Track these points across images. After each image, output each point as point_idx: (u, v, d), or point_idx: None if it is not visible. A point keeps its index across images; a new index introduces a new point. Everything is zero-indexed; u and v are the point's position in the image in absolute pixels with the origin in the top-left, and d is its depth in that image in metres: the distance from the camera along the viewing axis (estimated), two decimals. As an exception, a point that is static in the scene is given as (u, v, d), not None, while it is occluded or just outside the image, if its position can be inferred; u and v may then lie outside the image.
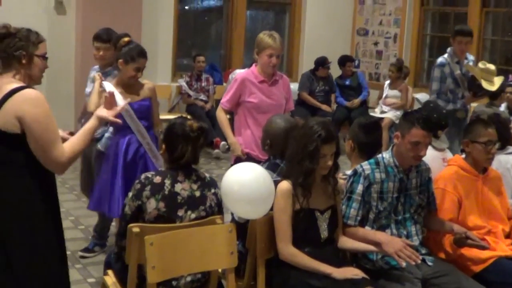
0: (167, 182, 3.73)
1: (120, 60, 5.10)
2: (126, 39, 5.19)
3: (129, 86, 5.21)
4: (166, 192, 3.70)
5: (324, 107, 10.86)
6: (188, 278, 3.78)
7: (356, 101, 11.10)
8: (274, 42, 5.37)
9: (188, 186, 3.77)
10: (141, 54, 5.15)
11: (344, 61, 11.41)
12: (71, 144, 3.43)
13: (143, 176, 3.75)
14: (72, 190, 7.74)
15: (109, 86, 4.95)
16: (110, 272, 4.01)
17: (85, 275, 5.43)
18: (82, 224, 6.69)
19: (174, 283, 3.73)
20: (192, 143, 3.75)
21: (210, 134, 10.10)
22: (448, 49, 7.26)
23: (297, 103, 10.90)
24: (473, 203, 4.38)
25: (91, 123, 3.62)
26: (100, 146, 5.51)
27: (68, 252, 5.64)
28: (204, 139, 3.82)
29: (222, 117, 5.60)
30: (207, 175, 3.92)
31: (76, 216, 6.91)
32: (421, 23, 12.12)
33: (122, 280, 3.78)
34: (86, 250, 5.85)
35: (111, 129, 5.46)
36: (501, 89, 9.10)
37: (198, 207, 3.78)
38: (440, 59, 7.25)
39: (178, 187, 3.74)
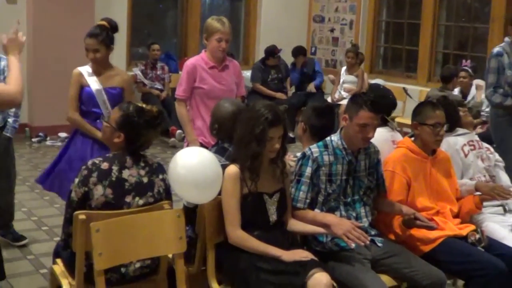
0: (115, 168, 3.69)
1: None
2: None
3: (101, 72, 5.23)
4: (114, 179, 3.67)
5: (279, 95, 10.88)
6: (137, 265, 3.76)
7: (311, 85, 11.13)
8: (223, 26, 5.35)
9: (136, 172, 3.74)
10: (88, 34, 5.14)
11: (297, 53, 11.45)
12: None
13: (90, 162, 3.71)
14: (25, 181, 7.66)
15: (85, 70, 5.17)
16: (58, 261, 3.97)
17: (37, 265, 5.38)
18: (34, 215, 6.61)
19: (123, 269, 3.71)
20: (153, 129, 3.75)
21: (166, 122, 10.07)
22: (506, 38, 6.53)
23: (252, 92, 10.94)
24: (422, 184, 4.41)
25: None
26: (9, 134, 5.56)
27: (21, 243, 5.69)
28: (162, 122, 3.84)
29: (183, 113, 5.50)
30: (154, 160, 3.90)
31: (29, 208, 6.84)
32: (376, 9, 12.22)
33: (71, 268, 3.74)
34: None
35: (12, 112, 5.51)
36: (454, 73, 9.25)
37: (146, 193, 3.75)
38: (496, 49, 6.50)
39: (125, 173, 3.71)
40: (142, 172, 3.77)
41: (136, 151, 3.79)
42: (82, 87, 5.17)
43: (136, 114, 3.75)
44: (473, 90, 9.12)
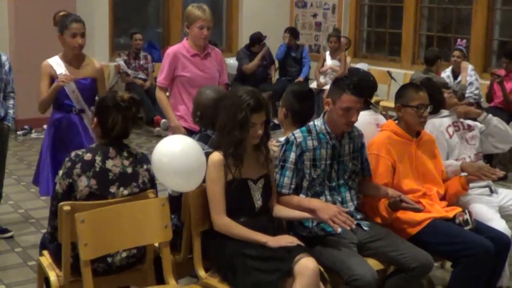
0: (98, 158, 3.68)
1: (58, 34, 5.14)
2: (61, 13, 5.23)
3: (72, 62, 5.22)
4: (97, 169, 3.65)
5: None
6: (124, 254, 3.76)
7: (300, 79, 11.11)
8: (204, 13, 5.32)
9: (120, 162, 3.73)
10: (73, 20, 5.12)
11: (289, 32, 11.46)
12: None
13: (73, 154, 3.70)
14: (11, 174, 7.62)
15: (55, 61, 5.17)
16: (45, 252, 3.97)
17: (25, 258, 5.37)
18: (21, 208, 6.59)
19: (109, 259, 3.71)
20: (122, 114, 3.70)
21: (151, 112, 10.04)
22: None
23: (238, 79, 10.92)
24: (407, 167, 4.40)
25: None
26: (10, 124, 5.68)
27: (6, 236, 5.66)
28: (136, 110, 3.78)
29: (162, 98, 5.53)
30: (139, 151, 3.89)
31: (16, 200, 6.81)
32: (358, -8, 12.19)
33: (58, 259, 3.74)
34: None
35: (11, 104, 5.62)
36: (438, 55, 9.27)
37: (130, 184, 3.74)
38: None
39: (109, 163, 3.69)
40: (126, 163, 3.75)
41: (116, 141, 3.76)
42: (52, 79, 5.14)
43: (108, 98, 3.77)
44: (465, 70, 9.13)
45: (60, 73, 5.12)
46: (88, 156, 3.67)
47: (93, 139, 4.97)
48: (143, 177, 3.80)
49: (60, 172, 3.69)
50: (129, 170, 3.75)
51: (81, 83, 5.17)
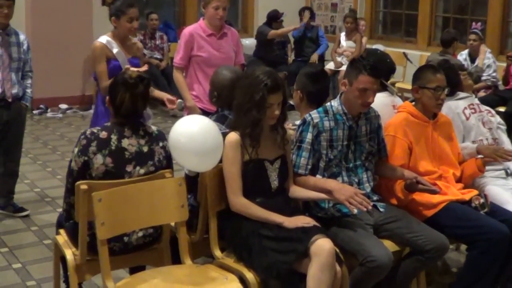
0: (114, 137, 3.68)
1: (113, 18, 5.17)
2: None
3: (123, 43, 5.25)
4: (113, 148, 3.66)
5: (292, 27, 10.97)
6: (140, 234, 3.77)
7: (314, 56, 11.05)
8: None
9: (136, 141, 3.73)
10: (130, 5, 5.18)
11: (303, 9, 11.39)
12: None
13: (88, 132, 3.71)
14: (27, 153, 7.66)
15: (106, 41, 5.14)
16: (61, 231, 3.98)
17: (42, 237, 5.41)
18: (37, 187, 6.62)
19: (125, 238, 3.72)
20: (130, 91, 3.70)
21: (166, 92, 10.01)
22: None
23: (256, 55, 10.90)
24: (423, 148, 4.39)
25: None
26: (28, 103, 5.77)
27: (22, 214, 5.70)
28: (145, 88, 3.76)
29: (179, 78, 5.57)
30: (154, 128, 3.88)
31: (32, 179, 6.86)
32: (375, -26, 12.12)
33: (74, 238, 3.74)
34: None
35: (29, 84, 5.70)
36: (454, 37, 9.22)
37: (146, 162, 3.75)
38: None
39: (125, 142, 3.70)
40: (142, 142, 3.75)
41: (131, 120, 3.76)
42: (108, 59, 5.16)
43: (118, 76, 3.81)
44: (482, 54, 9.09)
45: (116, 51, 5.16)
46: (104, 134, 3.68)
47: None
48: (159, 154, 3.81)
49: (76, 150, 3.69)
50: (145, 149, 3.75)
51: (133, 62, 5.19)
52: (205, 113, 5.05)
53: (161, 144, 3.82)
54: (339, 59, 10.64)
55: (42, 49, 9.76)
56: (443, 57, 7.71)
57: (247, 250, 3.66)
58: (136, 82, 3.71)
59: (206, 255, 4.13)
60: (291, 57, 11.57)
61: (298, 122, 4.18)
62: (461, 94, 4.94)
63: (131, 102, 3.71)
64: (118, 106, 3.72)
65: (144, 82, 3.75)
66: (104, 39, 5.17)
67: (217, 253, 3.82)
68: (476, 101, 5.05)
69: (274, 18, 10.97)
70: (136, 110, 3.76)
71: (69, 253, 3.76)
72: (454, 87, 4.77)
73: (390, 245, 3.94)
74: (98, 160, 3.63)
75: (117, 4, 5.18)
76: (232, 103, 3.92)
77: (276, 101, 3.72)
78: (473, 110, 4.90)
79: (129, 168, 3.70)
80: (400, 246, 4.03)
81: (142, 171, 3.73)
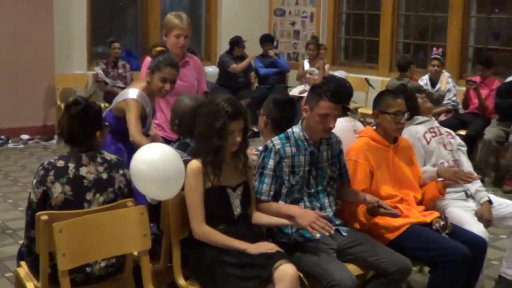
0: (71, 165, 3.68)
1: (148, 71, 4.86)
2: (158, 48, 5.02)
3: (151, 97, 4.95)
4: (71, 176, 3.65)
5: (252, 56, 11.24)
6: (103, 264, 3.74)
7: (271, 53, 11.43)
8: (181, 22, 5.34)
9: (94, 169, 3.72)
10: (168, 64, 4.82)
11: (265, 40, 11.55)
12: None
13: (46, 162, 3.70)
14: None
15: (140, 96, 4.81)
16: (22, 263, 3.93)
17: (3, 269, 5.34)
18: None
19: (88, 269, 3.69)
20: (67, 113, 3.73)
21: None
22: None
23: (219, 84, 10.96)
24: (385, 173, 4.43)
25: None
26: None
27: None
28: (82, 110, 3.72)
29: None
30: (113, 156, 3.87)
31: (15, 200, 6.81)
32: (336, 1, 12.28)
33: (35, 270, 3.70)
34: None
35: None
36: (410, 61, 9.41)
37: (106, 190, 3.74)
38: None
39: (83, 170, 3.69)
40: (101, 169, 3.74)
41: (86, 149, 3.76)
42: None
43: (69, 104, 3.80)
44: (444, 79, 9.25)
45: (148, 110, 4.88)
46: (61, 163, 3.67)
47: None
48: (119, 182, 3.80)
49: (34, 181, 3.68)
50: (104, 176, 3.74)
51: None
52: (167, 141, 5.03)
53: (121, 171, 3.82)
54: (302, 86, 10.72)
55: (1, 78, 9.71)
56: (400, 82, 7.81)
57: (211, 277, 3.65)
58: (69, 104, 3.74)
59: (170, 283, 4.11)
60: (255, 83, 11.62)
61: (260, 148, 4.20)
62: (420, 118, 4.99)
63: (69, 125, 3.73)
64: (65, 134, 3.75)
65: (79, 105, 3.74)
66: (140, 96, 4.77)
67: (181, 281, 3.79)
68: (436, 123, 5.11)
69: (236, 43, 11.06)
70: (80, 134, 3.75)
71: (31, 286, 3.72)
72: (411, 111, 4.82)
73: (353, 269, 3.95)
74: (57, 189, 3.61)
75: (158, 59, 4.83)
76: (193, 131, 3.93)
77: (237, 128, 3.73)
78: (433, 134, 4.96)
79: (88, 196, 3.68)
80: (364, 269, 4.04)
81: (101, 198, 3.71)
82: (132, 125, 4.63)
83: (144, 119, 4.85)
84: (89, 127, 3.76)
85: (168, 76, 4.76)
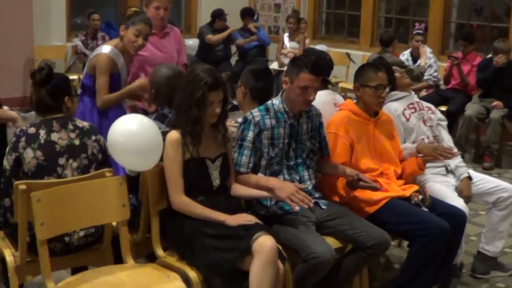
0: (42, 132, 3.70)
1: (122, 26, 4.99)
2: (132, 9, 5.26)
3: (124, 53, 5.02)
4: (42, 141, 3.67)
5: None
6: (81, 233, 3.74)
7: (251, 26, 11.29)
8: None
9: (66, 135, 3.74)
10: (143, 20, 4.95)
11: (245, 14, 11.42)
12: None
13: (18, 130, 3.74)
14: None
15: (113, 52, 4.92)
16: (0, 232, 3.89)
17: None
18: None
19: (66, 238, 3.69)
20: (35, 84, 3.78)
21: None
22: None
23: (199, 55, 10.89)
24: (365, 146, 4.42)
25: None
26: None
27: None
28: (45, 76, 3.76)
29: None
30: (85, 123, 3.88)
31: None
32: (318, -26, 12.19)
33: (14, 239, 3.69)
34: None
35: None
36: (393, 36, 9.37)
37: (79, 155, 3.75)
38: None
39: (54, 136, 3.71)
40: (73, 135, 3.76)
41: (58, 117, 3.78)
42: (112, 73, 4.94)
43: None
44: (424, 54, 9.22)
45: (121, 64, 4.98)
46: (32, 130, 3.69)
47: None
48: (92, 148, 3.80)
49: (7, 149, 3.70)
50: (77, 142, 3.75)
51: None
52: (146, 113, 5.00)
53: (93, 137, 3.83)
54: (283, 59, 10.68)
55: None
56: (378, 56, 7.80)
57: (190, 248, 3.65)
58: (34, 72, 3.78)
59: (149, 254, 4.11)
60: (235, 57, 11.57)
61: (240, 120, 4.18)
62: (399, 94, 4.96)
63: (36, 91, 3.78)
64: (34, 102, 3.79)
65: (43, 70, 3.78)
66: (112, 51, 4.89)
67: (160, 252, 3.79)
68: (416, 98, 5.08)
69: (218, 16, 10.98)
70: (48, 99, 3.77)
71: (9, 254, 3.69)
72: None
73: (332, 242, 3.97)
74: (29, 154, 3.63)
75: (134, 16, 4.94)
76: (171, 101, 3.90)
77: (217, 98, 3.71)
78: (413, 110, 4.93)
79: (61, 161, 3.69)
80: (343, 242, 4.05)
81: (75, 164, 3.72)
82: (98, 86, 4.84)
83: (118, 76, 4.89)
84: (54, 91, 3.78)
85: (141, 30, 4.84)
